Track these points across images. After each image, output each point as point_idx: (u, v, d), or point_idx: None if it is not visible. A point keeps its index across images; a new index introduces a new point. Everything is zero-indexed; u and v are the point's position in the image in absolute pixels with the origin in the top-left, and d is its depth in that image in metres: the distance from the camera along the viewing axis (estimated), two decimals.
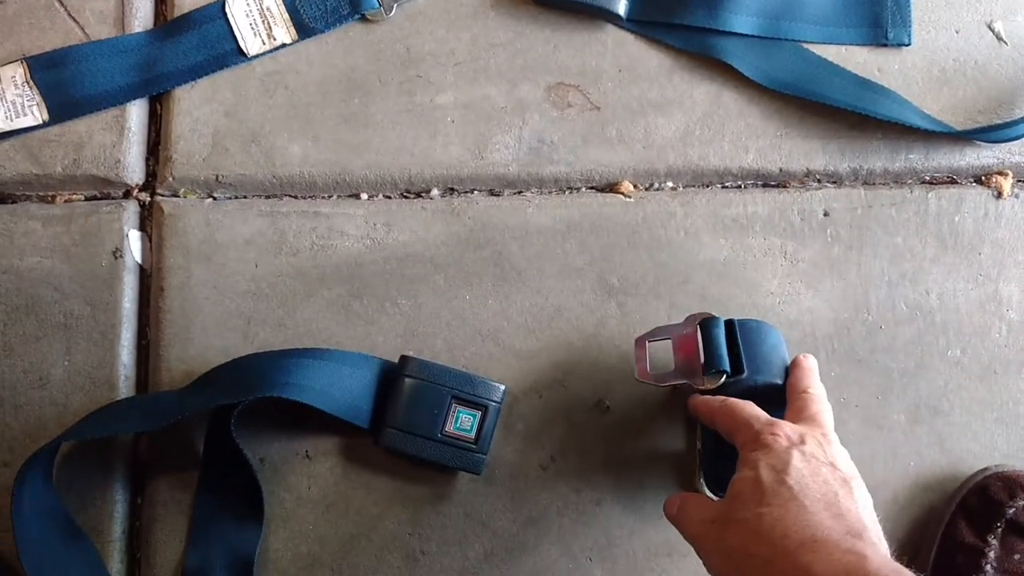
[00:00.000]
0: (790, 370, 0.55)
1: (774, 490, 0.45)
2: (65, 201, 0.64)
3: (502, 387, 0.60)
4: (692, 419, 0.62)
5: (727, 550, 0.46)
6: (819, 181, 0.67)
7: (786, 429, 0.49)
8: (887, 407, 0.64)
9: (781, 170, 0.67)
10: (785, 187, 0.67)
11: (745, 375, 0.53)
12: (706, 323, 0.55)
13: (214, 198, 0.64)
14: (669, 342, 0.57)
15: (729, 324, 0.55)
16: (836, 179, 0.67)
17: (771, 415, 0.54)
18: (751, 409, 0.51)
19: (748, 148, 0.67)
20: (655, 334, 0.58)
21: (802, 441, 0.48)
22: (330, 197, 0.65)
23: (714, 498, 0.60)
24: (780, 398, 0.54)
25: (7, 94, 0.63)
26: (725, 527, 0.47)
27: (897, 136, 0.67)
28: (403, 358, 0.60)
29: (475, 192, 0.66)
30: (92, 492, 0.59)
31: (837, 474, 0.47)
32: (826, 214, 0.66)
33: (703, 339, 0.55)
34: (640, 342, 0.58)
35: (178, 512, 0.60)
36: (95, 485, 0.59)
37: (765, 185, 0.67)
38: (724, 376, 0.54)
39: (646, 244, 0.65)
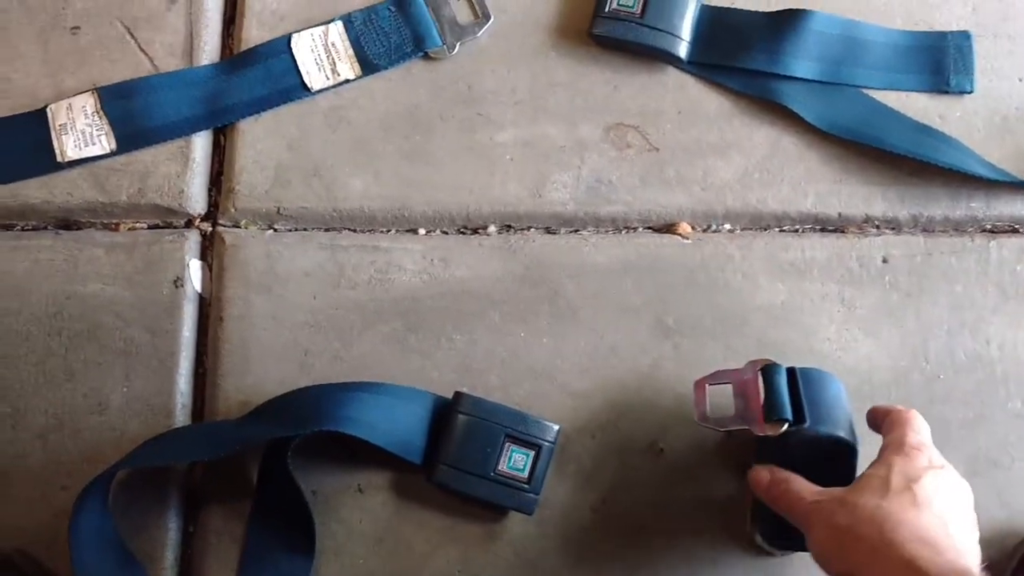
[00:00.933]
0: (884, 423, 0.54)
1: (898, 492, 0.47)
2: (129, 229, 0.65)
3: (556, 427, 0.60)
4: (747, 466, 0.61)
5: (836, 527, 0.47)
6: (878, 227, 0.67)
7: (933, 452, 0.51)
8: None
9: (840, 215, 0.66)
10: (844, 232, 0.67)
11: (807, 424, 0.53)
12: (768, 370, 0.55)
13: (275, 230, 0.65)
14: (729, 386, 0.57)
15: (791, 372, 0.55)
16: (895, 226, 0.67)
17: (831, 469, 0.53)
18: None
19: (807, 192, 0.66)
20: (715, 377, 0.57)
21: (943, 467, 0.50)
22: (389, 231, 0.65)
23: (772, 551, 0.59)
24: (841, 451, 0.53)
25: (78, 123, 0.64)
26: (839, 506, 0.48)
27: (958, 184, 0.66)
28: (457, 394, 0.60)
29: (532, 230, 0.66)
30: (146, 519, 0.60)
31: (965, 510, 0.49)
32: (885, 261, 0.66)
33: (764, 386, 0.54)
34: (700, 385, 0.57)
35: (230, 542, 0.60)
36: (149, 512, 0.60)
37: (823, 230, 0.67)
38: (786, 424, 0.53)
39: (703, 286, 0.65)
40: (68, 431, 0.61)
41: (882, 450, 0.51)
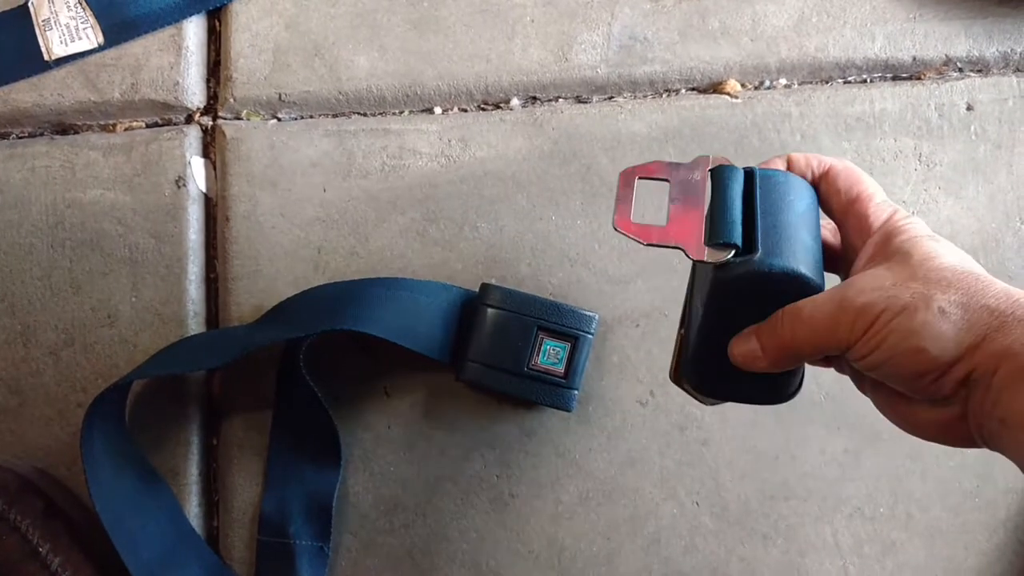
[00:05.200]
0: (823, 182, 0.42)
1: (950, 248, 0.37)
2: (125, 129, 0.60)
3: (594, 316, 0.54)
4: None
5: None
6: (961, 70, 0.58)
7: None
8: None
9: (915, 59, 0.58)
10: (919, 79, 0.58)
11: (758, 255, 0.38)
12: (720, 172, 0.41)
13: (278, 119, 0.60)
14: (666, 185, 0.41)
15: (749, 176, 0.41)
16: (982, 66, 0.58)
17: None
18: None
19: (875, 35, 0.58)
20: (650, 171, 0.42)
21: None
22: (401, 113, 0.59)
23: (698, 398, 0.44)
24: (800, 290, 0.38)
25: (61, 17, 0.59)
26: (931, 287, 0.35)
27: None
28: (484, 287, 0.55)
29: (560, 100, 0.59)
30: (167, 433, 0.57)
31: None
32: (969, 108, 0.57)
33: (713, 193, 0.41)
34: (627, 177, 0.41)
35: (254, 454, 0.57)
36: (170, 426, 0.57)
37: (895, 78, 0.58)
38: (732, 251, 0.38)
39: (756, 151, 0.57)
40: (79, 346, 0.57)
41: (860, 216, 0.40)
